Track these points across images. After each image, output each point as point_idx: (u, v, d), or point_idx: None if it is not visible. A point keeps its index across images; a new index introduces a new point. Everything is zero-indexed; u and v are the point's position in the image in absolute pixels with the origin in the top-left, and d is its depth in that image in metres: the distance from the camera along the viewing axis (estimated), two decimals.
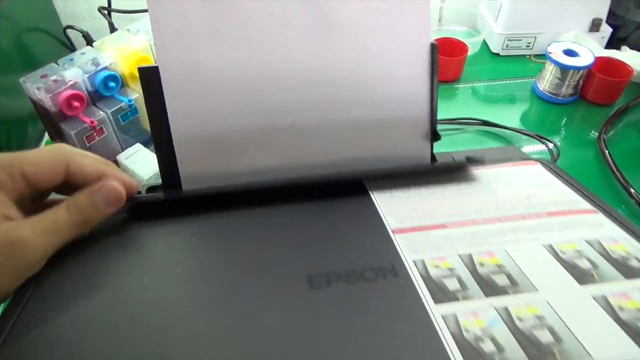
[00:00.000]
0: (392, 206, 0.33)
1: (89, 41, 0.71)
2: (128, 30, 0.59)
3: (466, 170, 0.36)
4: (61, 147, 0.30)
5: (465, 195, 0.34)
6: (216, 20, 0.36)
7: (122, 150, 0.57)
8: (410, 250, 0.28)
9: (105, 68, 0.54)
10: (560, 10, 0.75)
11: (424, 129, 0.40)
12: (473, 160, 0.36)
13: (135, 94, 0.56)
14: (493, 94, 0.75)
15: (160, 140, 0.37)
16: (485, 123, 0.65)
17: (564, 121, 0.68)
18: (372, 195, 0.34)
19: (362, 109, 0.39)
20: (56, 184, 0.29)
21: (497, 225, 0.30)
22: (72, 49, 0.77)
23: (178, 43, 0.35)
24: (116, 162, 0.57)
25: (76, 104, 0.51)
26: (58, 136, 0.54)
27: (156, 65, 0.36)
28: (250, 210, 0.33)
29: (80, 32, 0.71)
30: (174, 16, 0.35)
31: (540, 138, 0.61)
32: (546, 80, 0.70)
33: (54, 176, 0.29)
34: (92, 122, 0.52)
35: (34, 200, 0.29)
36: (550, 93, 0.70)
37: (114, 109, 0.54)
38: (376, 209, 0.32)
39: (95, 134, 0.53)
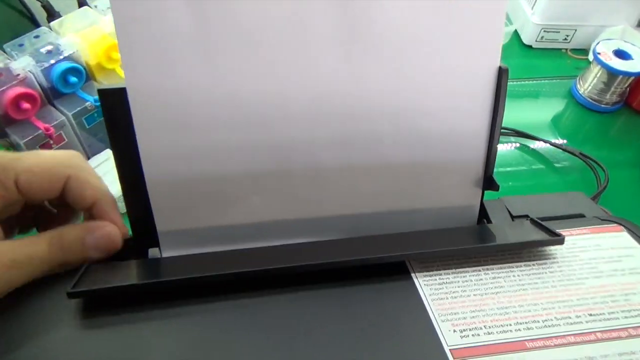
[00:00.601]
0: (444, 303, 0.24)
1: (51, 13, 0.58)
2: (95, 6, 0.48)
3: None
4: (68, 157, 0.27)
5: (541, 286, 0.25)
6: (207, 26, 0.25)
7: (89, 158, 0.47)
8: None
9: (66, 58, 0.43)
10: (607, 0, 0.65)
11: (475, 174, 0.31)
12: (549, 231, 0.27)
13: None
14: (524, 94, 0.65)
15: (129, 181, 0.28)
16: (519, 134, 0.56)
17: (608, 135, 0.59)
18: (416, 282, 0.25)
19: (398, 149, 0.29)
20: (51, 197, 0.27)
21: (596, 347, 0.22)
22: (32, 19, 0.64)
23: (154, 58, 0.25)
24: None
25: (26, 105, 0.40)
26: (3, 139, 0.44)
27: (123, 86, 0.25)
28: (250, 299, 0.24)
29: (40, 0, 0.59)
30: (148, 20, 0.25)
31: (585, 158, 0.52)
32: (589, 84, 0.61)
33: (50, 190, 0.26)
34: (47, 129, 0.41)
35: (24, 209, 0.27)
36: (591, 99, 0.61)
37: (77, 110, 0.44)
38: (424, 308, 0.23)
39: (52, 142, 0.43)
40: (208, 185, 0.28)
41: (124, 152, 0.27)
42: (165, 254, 0.30)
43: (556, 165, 0.54)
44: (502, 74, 0.28)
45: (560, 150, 0.54)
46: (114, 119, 0.26)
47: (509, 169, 0.53)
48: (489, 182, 0.31)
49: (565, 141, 0.57)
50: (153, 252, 0.29)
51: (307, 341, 0.22)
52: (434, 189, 0.31)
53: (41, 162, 0.26)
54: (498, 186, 0.30)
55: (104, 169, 0.46)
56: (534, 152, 0.56)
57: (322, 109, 0.28)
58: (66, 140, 0.44)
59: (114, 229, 0.27)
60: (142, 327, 0.23)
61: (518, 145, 0.57)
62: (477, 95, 0.29)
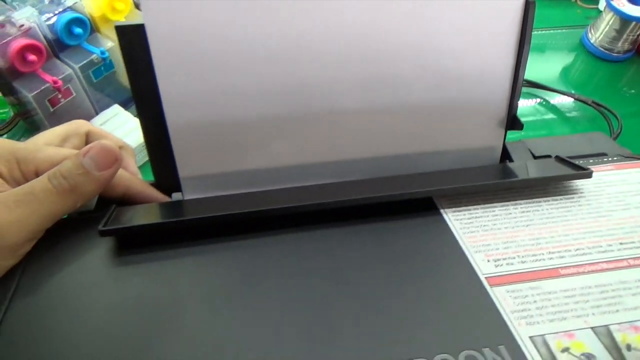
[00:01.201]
0: (476, 236, 0.24)
1: None
2: None
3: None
4: (76, 123, 0.28)
5: (570, 218, 0.25)
6: None
7: (97, 114, 0.46)
8: (521, 318, 0.20)
9: (69, 8, 0.41)
10: None
11: (498, 114, 0.30)
12: (574, 166, 0.27)
13: (110, 42, 0.44)
14: (533, 45, 0.64)
15: (151, 128, 0.27)
16: (530, 84, 0.55)
17: (620, 83, 0.58)
18: (445, 217, 0.25)
19: (420, 91, 0.29)
20: None
21: (629, 273, 0.22)
22: None
23: None
24: None
25: (32, 57, 0.39)
26: (11, 94, 0.43)
27: (141, 23, 0.25)
28: (276, 235, 0.24)
29: None
30: None
31: (598, 106, 0.52)
32: (600, 32, 0.60)
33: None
34: (55, 82, 0.40)
35: None
36: (603, 48, 0.60)
37: (83, 62, 0.43)
38: (456, 241, 0.24)
39: (60, 96, 0.42)
40: (229, 129, 0.28)
41: (145, 94, 0.26)
42: (187, 198, 0.30)
43: (568, 115, 0.54)
44: (528, 8, 0.27)
45: (572, 100, 0.54)
46: (133, 58, 0.25)
47: (521, 119, 0.52)
48: (512, 122, 0.30)
49: (567, 87, 0.56)
50: (176, 197, 0.29)
51: (344, 278, 0.22)
52: (456, 131, 0.31)
53: (61, 153, 0.26)
54: (522, 125, 0.30)
55: (113, 125, 0.46)
56: (546, 103, 0.55)
57: (344, 49, 0.27)
58: (74, 94, 0.43)
59: (106, 142, 0.25)
60: (171, 263, 0.23)
61: (530, 95, 0.56)
62: (503, 31, 0.28)
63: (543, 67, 0.62)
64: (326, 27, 0.26)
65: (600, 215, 0.25)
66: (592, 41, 0.61)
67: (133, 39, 0.25)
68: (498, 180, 0.26)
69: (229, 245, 0.24)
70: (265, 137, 0.29)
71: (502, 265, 0.22)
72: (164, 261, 0.23)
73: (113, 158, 0.25)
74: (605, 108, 0.51)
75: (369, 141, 0.30)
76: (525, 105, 0.55)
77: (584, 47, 0.62)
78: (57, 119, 0.43)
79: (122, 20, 0.44)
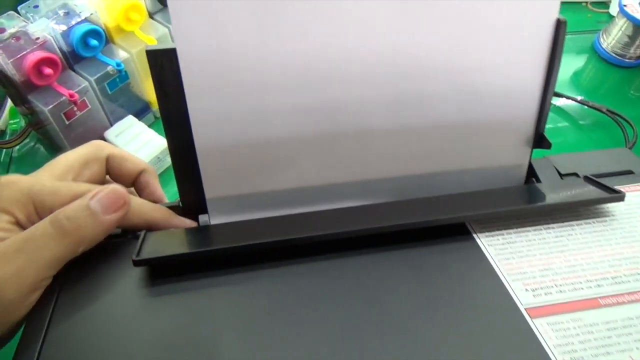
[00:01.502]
0: (511, 262, 0.24)
1: None
2: None
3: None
4: (94, 146, 0.28)
5: (604, 243, 0.25)
6: None
7: (111, 125, 0.46)
8: (565, 353, 0.20)
9: (85, 20, 0.41)
10: None
11: (526, 132, 0.30)
12: (605, 188, 0.27)
13: (124, 53, 0.44)
14: None
15: (179, 149, 0.27)
16: None
17: (632, 90, 0.58)
18: (479, 242, 0.25)
19: (449, 108, 0.29)
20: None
21: None
22: None
23: (205, 17, 0.24)
24: (104, 140, 0.46)
25: (48, 70, 0.39)
26: (23, 104, 0.42)
27: (173, 47, 0.24)
28: (307, 262, 0.24)
29: None
30: None
31: (613, 115, 0.52)
32: (612, 37, 0.59)
33: (91, 178, 0.27)
34: (71, 95, 0.40)
35: None
36: (615, 53, 0.60)
37: (99, 75, 0.42)
38: (492, 268, 0.23)
39: (76, 109, 0.41)
40: (258, 150, 0.28)
41: (174, 116, 0.26)
42: (213, 220, 0.29)
43: (581, 122, 0.54)
44: (560, 27, 0.27)
45: (586, 107, 0.54)
46: (164, 82, 0.25)
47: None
48: (540, 140, 0.30)
49: (582, 97, 0.56)
50: (203, 219, 0.28)
51: (377, 306, 0.22)
52: (482, 149, 0.30)
53: (70, 191, 0.24)
54: (550, 143, 0.30)
55: (128, 137, 0.45)
56: (558, 109, 0.55)
57: (374, 67, 0.27)
58: (90, 106, 0.42)
59: (116, 186, 0.24)
60: (204, 293, 0.23)
61: None
62: (533, 49, 0.28)
63: None
64: (355, 47, 0.26)
65: (635, 239, 0.25)
66: (604, 46, 0.61)
67: (164, 62, 0.25)
68: (532, 205, 0.26)
69: (259, 273, 0.23)
70: (293, 157, 0.28)
71: (540, 295, 0.22)
72: (196, 291, 0.23)
73: (122, 202, 0.24)
74: (620, 116, 0.51)
75: (396, 160, 0.30)
76: None
77: (595, 52, 0.62)
78: (71, 131, 0.42)
79: (135, 30, 0.44)
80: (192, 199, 0.28)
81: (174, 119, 0.26)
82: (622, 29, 0.58)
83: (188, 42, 0.24)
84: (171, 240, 0.25)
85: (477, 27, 0.27)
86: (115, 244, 0.25)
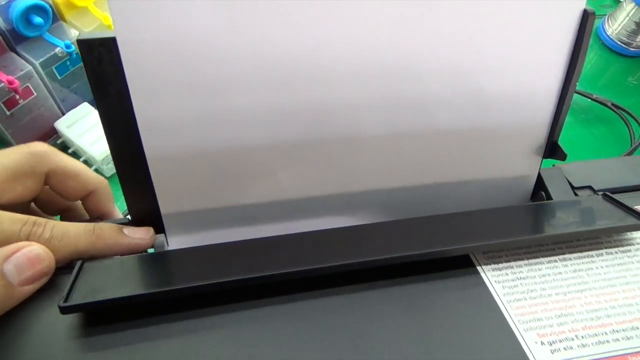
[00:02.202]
0: (523, 305, 0.20)
1: None
2: None
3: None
4: (37, 154, 0.22)
5: (630, 280, 0.21)
6: None
7: (63, 114, 0.40)
8: None
9: None
10: None
11: (537, 140, 0.26)
12: (629, 210, 0.23)
13: (76, 32, 0.38)
14: None
15: (125, 158, 0.22)
16: None
17: (635, 80, 0.54)
18: (484, 278, 0.21)
19: (451, 113, 0.24)
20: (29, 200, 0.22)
21: None
22: None
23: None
24: (52, 132, 0.40)
25: None
26: None
27: (112, 36, 0.19)
28: (281, 303, 0.20)
29: None
30: None
31: (618, 109, 0.48)
32: (618, 24, 0.55)
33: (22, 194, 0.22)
34: (10, 82, 0.34)
35: None
36: (620, 41, 0.56)
37: (45, 57, 0.36)
38: (500, 313, 0.19)
39: (18, 97, 0.36)
40: (225, 158, 0.23)
41: (116, 120, 0.21)
42: (171, 240, 0.25)
43: (584, 116, 0.50)
44: (586, 19, 0.23)
45: (589, 100, 0.50)
46: (101, 79, 0.20)
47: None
48: (552, 149, 0.26)
49: (582, 87, 0.52)
50: (158, 240, 0.24)
51: (366, 357, 0.18)
52: (487, 158, 0.26)
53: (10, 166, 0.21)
54: (565, 154, 0.26)
55: (82, 127, 0.40)
56: None
57: (366, 65, 0.22)
58: (35, 94, 0.37)
59: (38, 248, 0.19)
60: (152, 346, 0.18)
61: None
62: (553, 45, 0.23)
63: None
64: (345, 41, 0.21)
65: None
66: (608, 33, 0.56)
67: (102, 54, 0.20)
68: (546, 234, 0.22)
69: (223, 317, 0.19)
70: (269, 166, 0.24)
71: (559, 350, 0.18)
72: (146, 342, 0.18)
73: (43, 272, 0.19)
74: (626, 111, 0.47)
75: (389, 170, 0.26)
76: None
77: (598, 39, 0.58)
78: (15, 122, 0.37)
79: (89, 6, 0.38)
80: (143, 214, 0.24)
81: (116, 123, 0.21)
82: (630, 15, 0.54)
83: (131, 27, 0.19)
84: (114, 274, 0.21)
85: (486, 21, 0.22)
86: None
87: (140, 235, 0.23)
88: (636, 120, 0.46)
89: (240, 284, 0.19)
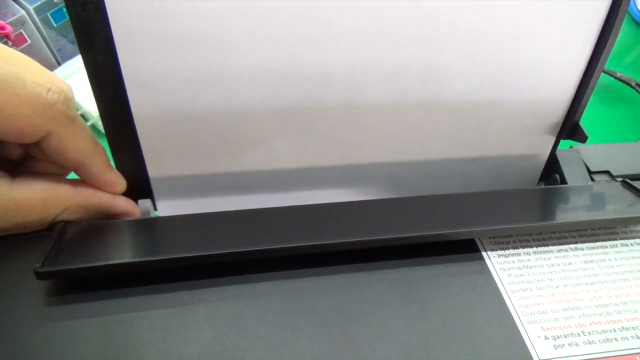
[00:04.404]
0: (529, 296, 0.19)
1: None
2: None
3: None
4: (52, 102, 0.18)
5: None
6: None
7: (59, 65, 0.39)
8: None
9: None
10: None
11: (553, 116, 0.24)
12: None
13: None
14: None
15: (113, 116, 0.21)
16: None
17: None
18: (489, 264, 0.20)
19: (464, 84, 0.23)
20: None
21: None
22: None
23: None
24: None
25: None
26: None
27: None
28: (270, 279, 0.19)
29: None
30: None
31: None
32: None
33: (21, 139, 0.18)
34: (2, 27, 0.32)
35: None
36: None
37: (40, 2, 0.34)
38: (504, 303, 0.18)
39: (10, 44, 0.34)
40: (218, 121, 0.22)
41: (103, 74, 0.20)
42: (160, 206, 0.24)
43: (604, 95, 0.47)
44: None
45: (612, 78, 0.47)
46: (86, 27, 0.18)
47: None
48: (572, 130, 0.24)
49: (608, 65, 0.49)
50: (143, 205, 0.23)
51: (357, 347, 0.17)
52: (498, 134, 0.25)
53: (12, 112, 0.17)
54: (586, 136, 0.24)
55: (80, 79, 0.38)
56: None
57: (371, 27, 0.20)
58: (29, 41, 0.35)
59: None
60: (131, 317, 0.17)
61: None
62: (583, 18, 0.21)
63: None
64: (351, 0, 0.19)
65: None
66: (639, 7, 0.53)
67: (85, 3, 0.18)
68: (558, 221, 0.21)
69: (208, 292, 0.18)
70: (264, 132, 0.22)
71: (563, 346, 0.17)
72: (125, 314, 0.17)
73: None
74: None
75: (393, 142, 0.24)
76: None
77: (628, 14, 0.55)
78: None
79: None
80: (131, 177, 0.22)
81: (103, 78, 0.20)
82: None
83: None
84: (96, 239, 0.19)
85: None
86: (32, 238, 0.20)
87: (122, 205, 0.22)
88: None
89: (228, 258, 0.18)
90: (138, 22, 0.18)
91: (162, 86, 0.20)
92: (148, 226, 0.21)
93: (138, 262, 0.18)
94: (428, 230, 0.19)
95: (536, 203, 0.23)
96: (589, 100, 0.48)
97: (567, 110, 0.24)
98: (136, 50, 0.19)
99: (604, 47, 0.22)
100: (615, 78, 0.47)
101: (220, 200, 0.24)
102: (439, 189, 0.26)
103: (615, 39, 0.22)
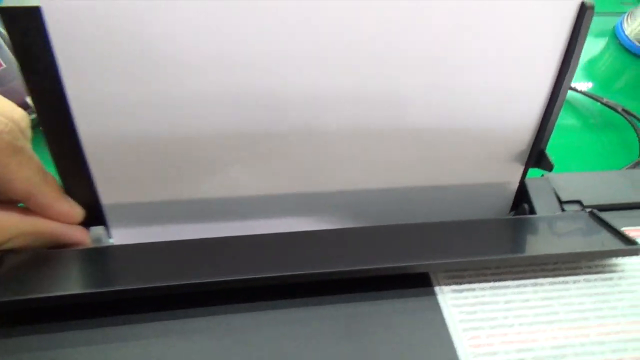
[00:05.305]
0: (480, 336, 0.17)
1: None
2: None
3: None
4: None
5: (607, 314, 0.19)
6: None
7: None
8: None
9: None
10: None
11: (519, 145, 0.24)
12: (615, 232, 0.21)
13: None
14: None
15: (61, 143, 0.20)
16: None
17: None
18: (440, 301, 0.19)
19: (427, 110, 0.22)
20: None
21: None
22: None
23: None
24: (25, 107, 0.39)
25: None
26: None
27: (38, 5, 0.17)
28: (223, 315, 0.18)
29: None
30: None
31: (629, 115, 0.45)
32: (638, 23, 0.51)
33: None
34: None
35: None
36: (639, 42, 0.52)
37: None
38: (451, 344, 0.17)
39: None
40: (169, 148, 0.21)
41: (47, 100, 0.19)
42: (115, 233, 0.23)
43: (592, 121, 0.47)
44: (584, 13, 0.20)
45: (599, 104, 0.47)
46: (28, 54, 0.18)
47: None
48: (539, 158, 0.24)
49: (591, 85, 0.48)
50: (95, 233, 0.22)
51: None
52: (463, 162, 0.24)
53: None
54: (552, 165, 0.23)
55: None
56: (566, 104, 0.48)
57: (332, 52, 0.20)
58: (4, 65, 0.35)
59: None
60: (66, 353, 0.16)
61: None
62: (545, 41, 0.21)
63: None
64: (309, 20, 0.19)
65: None
66: (627, 32, 0.53)
67: (29, 26, 0.18)
68: (516, 255, 0.20)
69: (136, 328, 0.17)
70: (220, 159, 0.22)
71: None
72: (52, 351, 0.16)
73: None
74: (636, 118, 0.44)
75: (356, 170, 0.23)
76: None
77: (616, 38, 0.54)
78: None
79: None
80: (83, 204, 0.22)
81: (47, 104, 0.19)
82: None
83: None
84: (33, 270, 0.19)
85: (470, 10, 0.20)
86: None
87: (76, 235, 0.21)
88: None
89: (156, 292, 0.17)
90: (83, 47, 0.18)
91: (110, 112, 0.20)
92: (87, 256, 0.20)
93: (62, 296, 0.17)
94: (376, 263, 0.18)
95: (497, 235, 0.22)
96: (577, 126, 0.47)
97: (533, 137, 0.24)
98: (82, 76, 0.19)
99: (566, 74, 0.21)
100: (602, 104, 0.46)
101: (178, 229, 0.24)
102: (407, 218, 0.25)
103: (576, 65, 0.21)
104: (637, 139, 0.43)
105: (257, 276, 0.17)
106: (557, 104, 0.22)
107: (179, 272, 0.18)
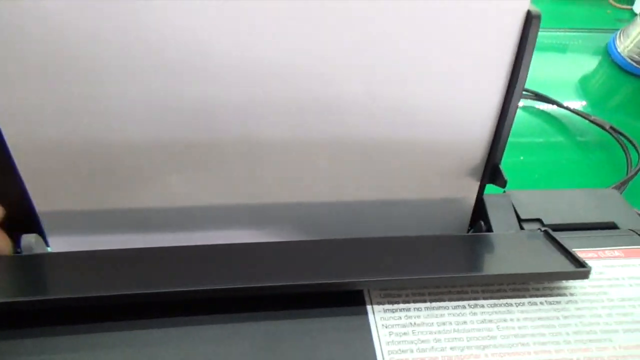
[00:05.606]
0: (407, 357, 0.16)
1: None
2: None
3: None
4: None
5: (549, 340, 0.17)
6: None
7: None
8: None
9: None
10: None
11: (474, 160, 0.23)
12: (567, 253, 0.19)
13: None
14: (549, 47, 0.55)
15: None
16: (537, 96, 0.47)
17: None
18: (370, 319, 0.17)
19: (371, 121, 0.21)
20: None
21: None
22: None
23: None
24: None
25: None
26: None
27: None
28: (143, 330, 0.17)
29: None
30: None
31: (616, 134, 0.43)
32: (631, 41, 0.50)
33: None
34: None
35: None
36: (632, 59, 0.51)
37: None
38: None
39: None
40: (102, 155, 0.20)
41: None
42: (53, 241, 0.23)
43: (579, 139, 0.45)
44: (530, 23, 0.19)
45: (587, 121, 0.45)
46: None
47: (521, 139, 0.44)
48: (493, 174, 0.23)
49: (582, 102, 0.47)
50: (26, 240, 0.21)
51: None
52: (416, 176, 0.23)
53: None
54: (505, 181, 0.22)
55: None
56: (554, 120, 0.47)
57: (268, 60, 0.19)
58: None
59: None
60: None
61: (535, 110, 0.47)
62: (492, 51, 0.20)
63: (558, 74, 0.53)
64: (242, 27, 0.18)
65: (594, 338, 0.17)
66: (619, 50, 0.52)
67: None
68: (456, 275, 0.19)
69: (57, 340, 0.16)
70: (154, 167, 0.21)
71: None
72: None
73: None
74: (625, 137, 0.43)
75: (298, 182, 0.23)
76: (529, 121, 0.46)
77: (608, 56, 0.53)
78: None
79: None
80: (15, 211, 0.21)
81: None
82: None
83: None
84: None
85: (412, 20, 0.19)
86: None
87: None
88: (635, 147, 0.42)
89: (72, 303, 0.16)
90: (2, 52, 0.18)
91: (34, 118, 0.19)
92: (26, 263, 0.19)
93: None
94: (304, 279, 0.17)
95: (442, 252, 0.21)
96: (565, 144, 0.46)
97: (487, 151, 0.22)
98: (3, 81, 0.18)
99: (516, 85, 0.20)
100: (590, 121, 0.45)
101: (117, 238, 0.23)
102: (360, 233, 0.24)
103: (526, 76, 0.20)
104: (624, 157, 0.42)
105: (173, 290, 0.17)
106: (509, 116, 0.21)
107: (89, 284, 0.17)
